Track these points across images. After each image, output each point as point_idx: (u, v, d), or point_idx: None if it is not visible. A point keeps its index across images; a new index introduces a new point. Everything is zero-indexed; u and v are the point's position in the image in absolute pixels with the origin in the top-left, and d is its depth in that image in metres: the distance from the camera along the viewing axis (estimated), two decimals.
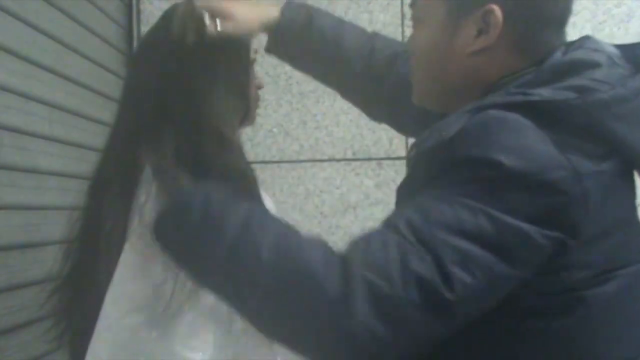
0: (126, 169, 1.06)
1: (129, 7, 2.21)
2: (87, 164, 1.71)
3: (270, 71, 2.19)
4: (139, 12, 2.22)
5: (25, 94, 1.51)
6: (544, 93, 0.81)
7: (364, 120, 2.32)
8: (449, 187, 0.78)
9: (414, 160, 0.88)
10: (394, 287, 0.72)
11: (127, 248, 1.00)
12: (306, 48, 1.17)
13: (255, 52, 1.16)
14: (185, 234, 0.82)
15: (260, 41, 1.18)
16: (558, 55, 0.88)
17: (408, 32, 2.21)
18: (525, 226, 0.75)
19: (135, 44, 2.18)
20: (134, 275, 0.98)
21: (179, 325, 0.94)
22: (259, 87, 1.17)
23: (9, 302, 1.41)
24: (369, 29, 2.23)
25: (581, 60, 0.85)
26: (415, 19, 0.97)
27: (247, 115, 1.13)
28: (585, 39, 0.91)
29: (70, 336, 1.10)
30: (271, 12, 1.13)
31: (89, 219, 1.09)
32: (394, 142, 2.21)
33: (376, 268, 0.74)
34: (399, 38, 2.22)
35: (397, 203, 0.94)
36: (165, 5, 1.16)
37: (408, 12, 2.22)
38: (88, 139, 1.79)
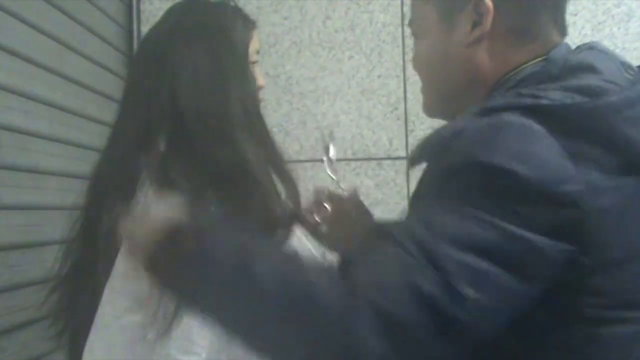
0: (126, 170, 1.06)
1: (129, 7, 2.21)
2: (87, 164, 1.71)
3: (270, 71, 2.19)
4: (139, 12, 2.22)
5: (26, 94, 1.50)
6: (554, 96, 0.77)
7: (364, 120, 2.33)
8: (456, 196, 0.74)
9: (423, 164, 0.84)
10: (402, 309, 0.69)
11: (124, 249, 1.00)
12: None
13: (257, 52, 1.16)
14: (179, 264, 0.75)
15: (262, 41, 1.18)
16: (563, 51, 0.87)
17: (408, 32, 2.21)
18: (539, 239, 0.71)
19: (135, 44, 2.18)
20: (131, 276, 0.98)
21: (175, 327, 0.94)
22: (260, 87, 1.17)
23: (9, 302, 1.41)
24: (369, 29, 2.25)
25: (589, 62, 0.83)
26: (414, 36, 0.98)
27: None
28: (593, 43, 0.91)
29: (69, 335, 1.10)
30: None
31: (88, 218, 1.09)
32: (394, 142, 2.21)
33: (382, 289, 0.70)
34: (399, 38, 2.22)
35: (408, 213, 0.87)
36: (166, 5, 1.17)
37: (408, 12, 2.23)
38: (88, 139, 1.79)
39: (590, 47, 0.89)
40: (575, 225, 0.73)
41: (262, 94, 1.19)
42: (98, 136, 1.79)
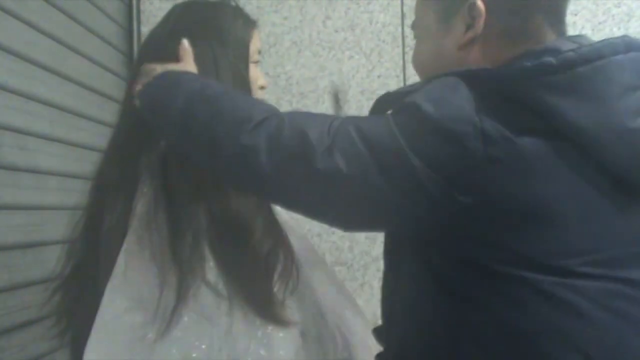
0: (127, 170, 1.06)
1: (129, 7, 2.21)
2: (87, 163, 1.71)
3: (270, 71, 2.19)
4: (139, 12, 2.22)
5: (26, 94, 1.51)
6: (489, 68, 0.86)
7: None
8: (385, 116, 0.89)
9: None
10: (285, 135, 0.86)
11: (125, 248, 1.00)
12: None
13: (258, 52, 1.16)
14: (158, 89, 1.00)
15: (262, 41, 1.18)
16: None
17: (408, 32, 2.21)
18: (415, 160, 0.80)
19: (135, 44, 2.18)
20: (131, 276, 0.98)
21: (175, 327, 0.94)
22: (262, 87, 1.17)
23: (9, 302, 1.41)
24: (369, 29, 2.25)
25: (551, 48, 0.86)
26: (415, 38, 1.03)
27: None
28: (578, 34, 0.93)
29: (71, 335, 1.10)
30: None
31: (90, 218, 1.09)
32: None
33: (288, 123, 0.88)
34: (399, 38, 2.22)
35: None
36: (166, 5, 1.17)
37: (408, 12, 2.23)
38: (88, 139, 1.79)
39: (569, 38, 0.91)
40: (454, 163, 0.80)
41: (264, 94, 1.19)
42: (98, 136, 1.79)
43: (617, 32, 2.17)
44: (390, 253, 0.95)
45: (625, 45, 0.83)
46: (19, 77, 1.48)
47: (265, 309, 0.98)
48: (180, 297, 0.95)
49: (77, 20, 1.79)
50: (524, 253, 0.80)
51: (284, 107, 2.23)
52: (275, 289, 1.00)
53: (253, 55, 1.14)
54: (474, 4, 0.90)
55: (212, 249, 0.99)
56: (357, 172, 0.83)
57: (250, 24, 1.15)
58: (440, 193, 0.80)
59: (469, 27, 0.92)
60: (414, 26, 1.03)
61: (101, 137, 1.77)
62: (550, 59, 0.80)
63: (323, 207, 0.88)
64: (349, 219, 0.90)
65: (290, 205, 0.94)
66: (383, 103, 0.93)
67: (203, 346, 0.94)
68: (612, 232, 0.83)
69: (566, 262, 0.80)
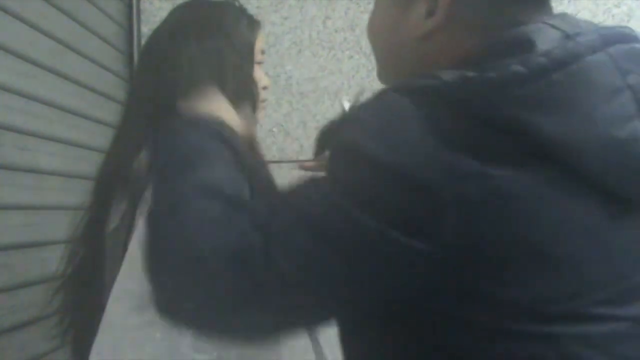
0: (131, 170, 1.05)
1: (129, 7, 2.21)
2: (87, 163, 1.71)
3: (270, 71, 2.19)
4: (139, 12, 2.22)
5: (26, 94, 1.51)
6: (446, 77, 0.67)
7: None
8: (328, 175, 0.70)
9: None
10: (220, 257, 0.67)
11: (132, 247, 1.00)
12: None
13: (262, 52, 1.16)
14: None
15: (266, 42, 1.18)
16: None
17: None
18: (384, 227, 0.63)
19: (135, 44, 2.18)
20: (138, 275, 0.98)
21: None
22: (265, 88, 1.17)
23: (9, 302, 1.42)
24: None
25: (521, 39, 0.69)
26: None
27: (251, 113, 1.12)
28: (560, 14, 0.75)
29: (73, 334, 1.10)
30: None
31: (93, 218, 1.08)
32: None
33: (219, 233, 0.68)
34: None
35: None
36: (166, 5, 1.16)
37: None
38: (88, 138, 1.79)
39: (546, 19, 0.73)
40: (419, 213, 0.63)
41: (265, 94, 1.19)
42: (98, 136, 1.79)
43: None
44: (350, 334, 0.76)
45: (602, 39, 0.69)
46: (20, 77, 1.48)
47: None
48: None
49: (77, 20, 1.79)
50: (522, 302, 0.65)
51: (284, 107, 2.23)
52: None
53: (257, 55, 1.13)
54: None
55: None
56: (315, 273, 0.65)
57: (254, 24, 1.15)
58: (423, 260, 0.63)
59: (429, 13, 0.75)
60: None
61: (101, 137, 1.77)
62: (520, 68, 0.65)
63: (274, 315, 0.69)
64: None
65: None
66: (326, 137, 0.82)
67: (211, 346, 0.94)
68: (614, 259, 0.68)
69: (574, 305, 0.66)
